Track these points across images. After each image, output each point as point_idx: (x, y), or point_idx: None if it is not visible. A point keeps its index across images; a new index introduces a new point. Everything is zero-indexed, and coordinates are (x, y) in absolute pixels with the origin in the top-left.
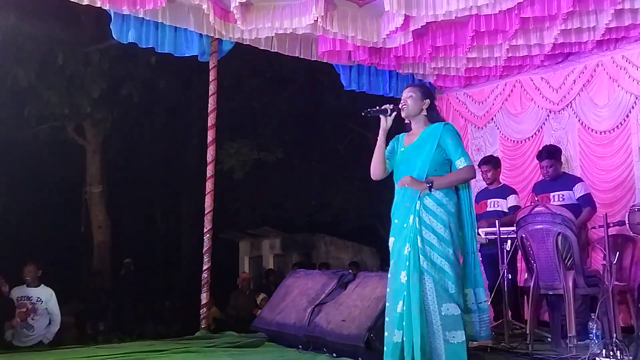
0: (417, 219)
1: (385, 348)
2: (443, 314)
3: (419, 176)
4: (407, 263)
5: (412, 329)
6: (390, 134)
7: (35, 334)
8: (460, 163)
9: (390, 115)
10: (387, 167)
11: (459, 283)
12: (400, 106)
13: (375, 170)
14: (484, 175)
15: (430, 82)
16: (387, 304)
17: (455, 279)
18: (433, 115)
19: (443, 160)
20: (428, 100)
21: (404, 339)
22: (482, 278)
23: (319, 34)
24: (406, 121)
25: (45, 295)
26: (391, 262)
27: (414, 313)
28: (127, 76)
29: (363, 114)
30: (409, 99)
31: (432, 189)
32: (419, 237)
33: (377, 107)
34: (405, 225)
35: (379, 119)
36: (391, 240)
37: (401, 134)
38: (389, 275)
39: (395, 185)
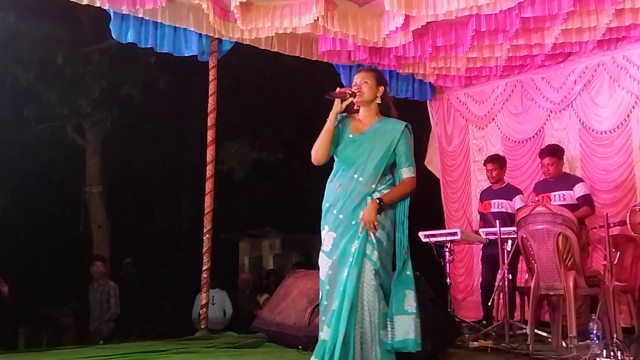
0: None
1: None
2: (382, 311)
3: (370, 178)
4: (351, 260)
5: (350, 327)
6: None
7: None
8: (405, 172)
9: (347, 100)
10: (330, 152)
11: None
12: (355, 92)
13: (318, 155)
14: (489, 173)
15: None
16: (324, 302)
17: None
18: (384, 103)
19: (392, 163)
20: (382, 87)
21: (332, 336)
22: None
23: (319, 34)
24: (355, 107)
25: (220, 296)
26: (328, 258)
27: (358, 310)
28: (126, 76)
29: (326, 96)
30: (364, 85)
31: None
32: (372, 234)
33: (339, 90)
34: (353, 222)
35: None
36: (327, 232)
37: (344, 117)
38: (330, 272)
39: (334, 174)
